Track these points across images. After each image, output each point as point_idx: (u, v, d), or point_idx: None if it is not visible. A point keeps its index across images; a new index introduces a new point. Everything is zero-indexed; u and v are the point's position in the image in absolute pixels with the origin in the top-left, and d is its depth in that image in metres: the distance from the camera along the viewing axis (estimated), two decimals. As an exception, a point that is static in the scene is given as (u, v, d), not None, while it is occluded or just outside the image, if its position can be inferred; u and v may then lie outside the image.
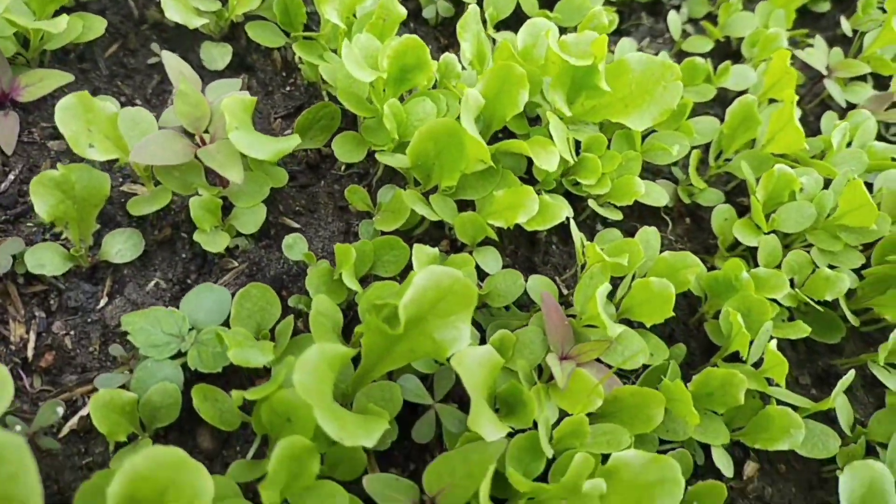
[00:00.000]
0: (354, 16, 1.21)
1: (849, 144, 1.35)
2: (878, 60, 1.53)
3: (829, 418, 1.13)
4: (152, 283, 1.09)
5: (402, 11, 1.17)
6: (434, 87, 1.21)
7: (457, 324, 0.91)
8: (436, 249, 1.05)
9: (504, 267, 1.12)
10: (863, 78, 1.57)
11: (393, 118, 1.08)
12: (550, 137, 1.11)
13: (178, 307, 1.01)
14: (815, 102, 1.56)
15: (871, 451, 1.09)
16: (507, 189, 1.09)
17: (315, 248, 1.15)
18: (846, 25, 1.62)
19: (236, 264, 1.13)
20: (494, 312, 1.11)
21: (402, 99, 1.17)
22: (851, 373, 1.02)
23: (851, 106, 1.52)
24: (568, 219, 1.09)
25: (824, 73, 1.51)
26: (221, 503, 0.83)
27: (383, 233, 1.13)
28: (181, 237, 1.13)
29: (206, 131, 1.07)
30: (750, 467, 1.12)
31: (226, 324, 1.00)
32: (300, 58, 1.33)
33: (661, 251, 1.14)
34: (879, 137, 1.53)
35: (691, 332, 1.21)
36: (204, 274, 1.12)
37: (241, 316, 0.99)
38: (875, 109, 1.45)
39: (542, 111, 1.24)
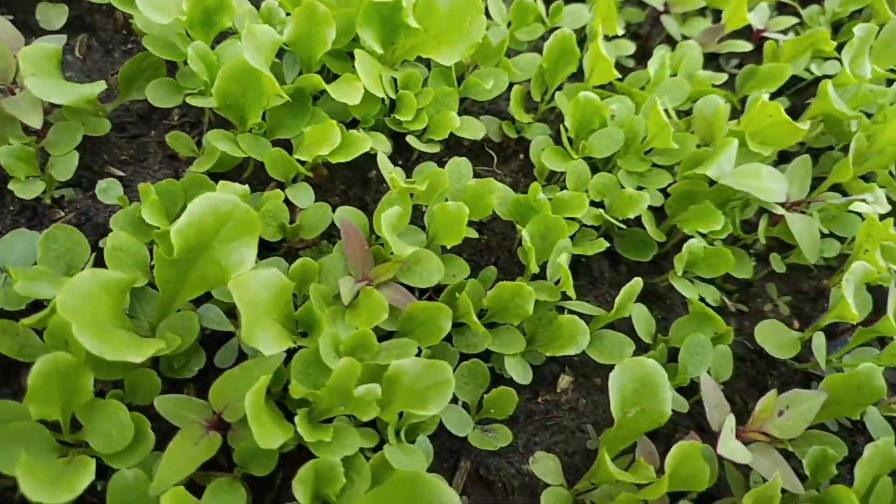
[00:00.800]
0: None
1: (674, 75, 1.40)
2: (714, -6, 1.58)
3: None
4: (-22, 234, 1.13)
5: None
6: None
7: (240, 249, 0.96)
8: (246, 186, 1.10)
9: (338, 206, 1.17)
10: (702, 12, 1.63)
11: (200, 61, 1.12)
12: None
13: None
14: (660, 38, 1.61)
15: (673, 358, 1.16)
16: (314, 125, 1.13)
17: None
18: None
19: (63, 214, 1.16)
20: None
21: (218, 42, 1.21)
22: (636, 280, 1.08)
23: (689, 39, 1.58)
24: (374, 150, 1.14)
25: (661, 9, 1.56)
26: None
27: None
28: (9, 191, 1.17)
29: (14, 82, 1.10)
30: (564, 380, 1.19)
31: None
32: (130, 14, 1.35)
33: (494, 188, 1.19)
34: (717, 68, 1.59)
35: (514, 258, 1.26)
36: (34, 225, 1.16)
37: (49, 257, 1.03)
38: (708, 41, 1.51)
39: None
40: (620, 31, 1.48)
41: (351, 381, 0.90)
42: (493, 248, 1.25)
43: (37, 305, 1.02)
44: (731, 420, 0.96)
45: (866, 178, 1.42)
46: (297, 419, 0.90)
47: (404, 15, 1.17)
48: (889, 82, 1.51)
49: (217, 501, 0.90)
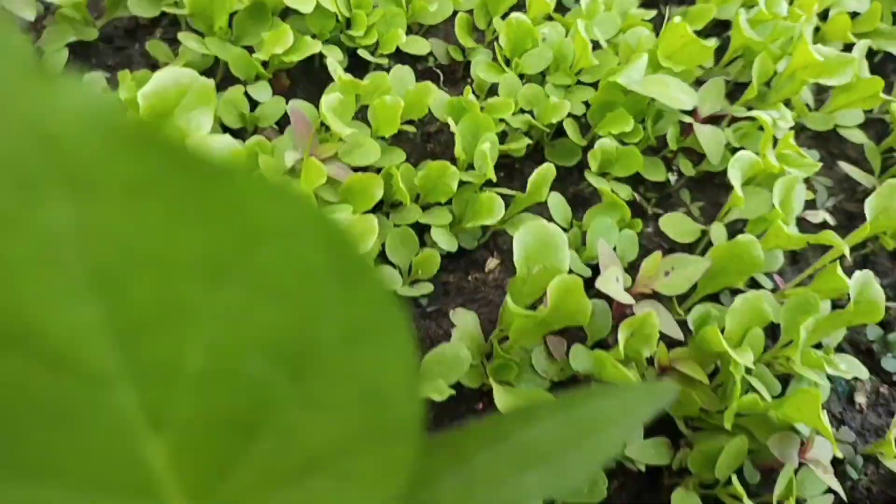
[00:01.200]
0: None
1: (609, 9, 1.56)
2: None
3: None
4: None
5: None
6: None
7: (198, 117, 1.13)
8: (211, 80, 1.27)
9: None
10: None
11: (177, -25, 1.30)
12: (316, -10, 1.33)
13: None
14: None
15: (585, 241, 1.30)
16: (272, 31, 1.30)
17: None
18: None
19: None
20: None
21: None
22: (547, 165, 1.23)
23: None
24: (322, 55, 1.31)
25: (603, -41, 1.72)
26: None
27: (180, 77, 1.34)
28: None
29: (19, -13, 1.29)
30: (491, 262, 1.34)
31: None
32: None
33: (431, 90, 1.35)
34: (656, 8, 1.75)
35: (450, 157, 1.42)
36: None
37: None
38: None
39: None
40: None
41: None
42: (423, 143, 1.41)
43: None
44: (617, 271, 1.11)
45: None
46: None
47: (357, -59, 1.34)
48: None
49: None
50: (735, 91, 1.58)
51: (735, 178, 1.19)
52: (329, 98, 1.18)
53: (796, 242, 1.18)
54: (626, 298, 1.08)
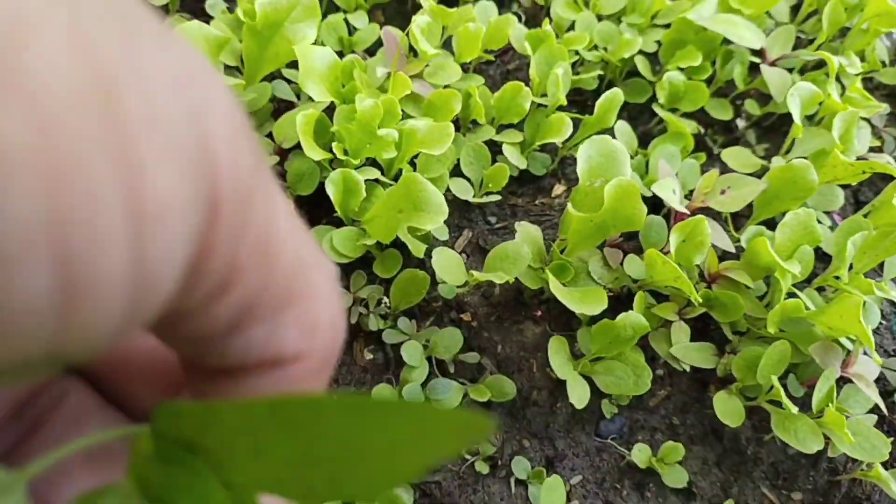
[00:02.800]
0: None
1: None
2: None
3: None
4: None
5: None
6: None
7: (305, 29, 1.27)
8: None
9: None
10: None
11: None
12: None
13: None
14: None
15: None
16: (373, -37, 1.44)
17: (242, 22, 1.53)
18: None
19: (181, 29, 1.52)
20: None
21: None
22: (615, 90, 1.32)
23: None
24: (418, -14, 1.44)
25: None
26: None
27: None
28: None
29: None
30: (557, 188, 1.44)
31: None
32: None
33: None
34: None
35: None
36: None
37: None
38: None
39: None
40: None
41: (375, 119, 1.19)
42: (502, 76, 1.52)
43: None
44: (674, 183, 1.19)
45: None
46: (333, 145, 1.20)
47: None
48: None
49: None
50: (806, 45, 1.62)
51: (794, 106, 1.25)
52: (419, 20, 1.31)
53: (852, 172, 1.23)
54: (681, 207, 1.16)
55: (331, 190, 1.16)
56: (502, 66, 1.57)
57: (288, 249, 0.26)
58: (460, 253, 1.35)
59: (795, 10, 1.68)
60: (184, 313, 0.25)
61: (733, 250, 1.20)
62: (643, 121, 1.52)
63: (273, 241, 0.26)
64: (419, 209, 1.12)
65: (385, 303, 1.26)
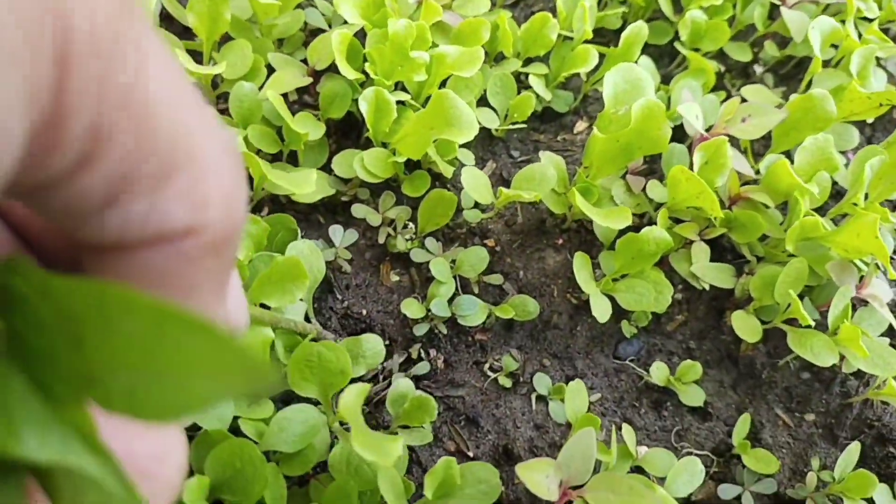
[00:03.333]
0: None
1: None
2: None
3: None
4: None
5: None
6: None
7: (339, -46, 1.31)
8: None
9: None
10: None
11: None
12: None
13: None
14: None
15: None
16: None
17: None
18: None
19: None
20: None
21: None
22: (640, 23, 1.35)
23: None
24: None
25: None
26: None
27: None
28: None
29: None
30: (579, 125, 1.47)
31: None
32: None
33: None
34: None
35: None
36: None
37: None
38: None
39: None
40: None
41: (407, 41, 1.22)
42: (526, 16, 1.55)
43: None
44: (696, 108, 1.22)
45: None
46: (366, 65, 1.23)
47: None
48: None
49: (303, 119, 1.24)
50: None
51: (815, 40, 1.28)
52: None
53: (869, 106, 1.26)
54: (703, 131, 1.19)
55: (364, 108, 1.19)
56: (526, 8, 1.60)
57: (168, 113, 0.23)
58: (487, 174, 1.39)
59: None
60: (47, 184, 0.22)
61: (753, 175, 1.23)
62: (665, 63, 1.56)
63: (148, 103, 0.22)
64: (450, 125, 1.15)
65: (411, 227, 1.30)
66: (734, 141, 1.27)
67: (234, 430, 0.98)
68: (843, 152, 1.41)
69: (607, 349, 1.26)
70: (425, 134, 1.17)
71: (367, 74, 1.23)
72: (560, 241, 1.35)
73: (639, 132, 1.16)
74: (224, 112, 1.28)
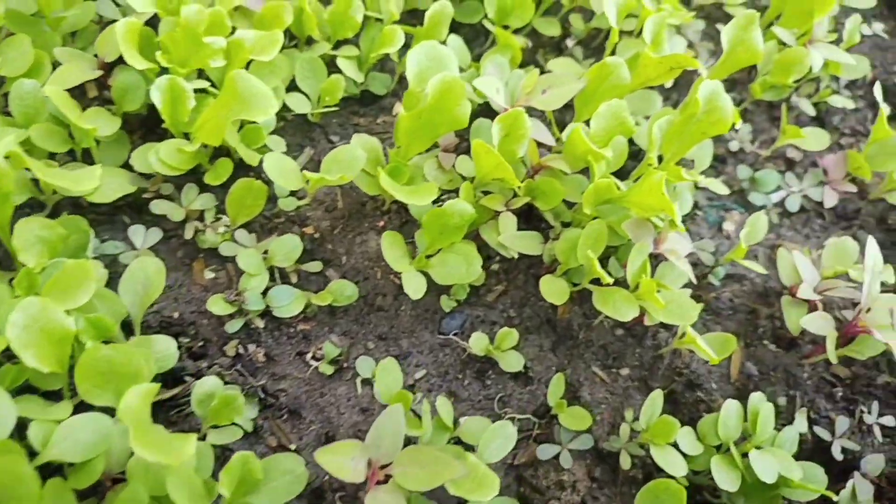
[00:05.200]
0: None
1: None
2: None
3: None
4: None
5: None
6: None
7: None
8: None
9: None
10: None
11: None
12: None
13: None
14: None
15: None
16: None
17: None
18: None
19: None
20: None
21: None
22: (442, 2, 1.36)
23: None
24: None
25: None
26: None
27: None
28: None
29: None
30: (398, 106, 1.47)
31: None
32: None
33: None
34: None
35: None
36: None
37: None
38: None
39: None
40: None
41: (200, 26, 1.18)
42: None
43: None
44: (497, 82, 1.24)
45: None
46: (157, 54, 1.18)
47: None
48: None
49: (95, 115, 1.18)
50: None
51: (611, 10, 1.33)
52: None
53: (661, 69, 1.32)
54: (503, 104, 1.21)
55: (156, 98, 1.14)
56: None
57: None
58: (301, 169, 1.36)
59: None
60: None
61: (555, 144, 1.27)
62: (478, 42, 1.58)
63: None
64: (247, 104, 1.12)
65: (224, 220, 1.26)
66: (540, 113, 1.30)
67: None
68: (647, 117, 1.48)
69: (432, 326, 1.27)
70: (223, 117, 1.13)
71: (160, 64, 1.17)
72: (381, 224, 1.34)
73: (438, 109, 1.17)
74: (7, 114, 1.20)
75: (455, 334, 1.26)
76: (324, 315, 1.25)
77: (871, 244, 1.21)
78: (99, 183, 1.02)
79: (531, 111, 1.29)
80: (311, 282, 1.27)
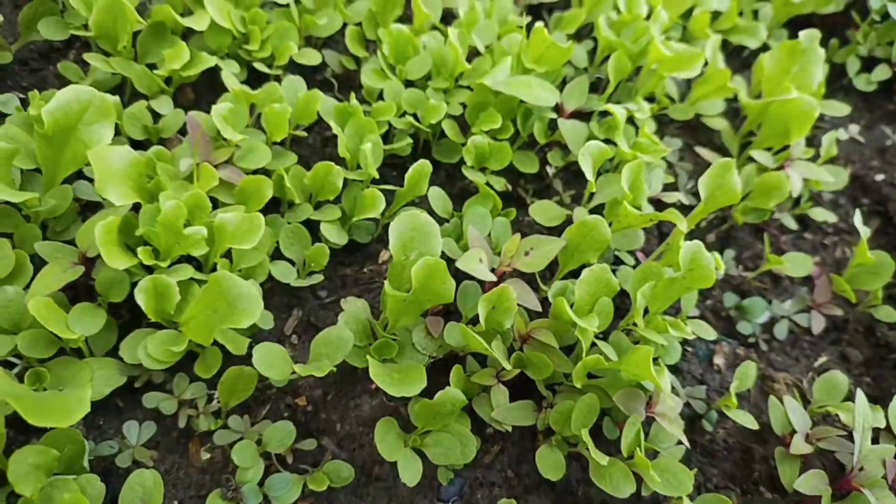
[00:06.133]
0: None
1: (489, 17, 1.70)
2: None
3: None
4: None
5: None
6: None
7: (100, 130, 1.24)
8: (117, 97, 1.38)
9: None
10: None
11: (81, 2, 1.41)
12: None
13: None
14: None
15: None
16: (170, 49, 1.42)
17: (40, 113, 1.46)
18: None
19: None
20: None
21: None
22: (422, 161, 1.37)
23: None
24: (218, 67, 1.43)
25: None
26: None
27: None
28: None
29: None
30: (384, 254, 1.47)
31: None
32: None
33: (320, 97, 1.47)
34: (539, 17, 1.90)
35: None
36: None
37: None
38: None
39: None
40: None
41: (179, 219, 1.18)
42: (319, 147, 1.54)
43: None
44: (480, 252, 1.25)
45: (650, 99, 1.73)
46: (139, 250, 1.17)
47: (249, -35, 1.47)
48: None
49: (80, 314, 1.17)
50: (605, 88, 1.73)
51: (586, 164, 1.34)
52: (220, 107, 1.31)
53: (641, 220, 1.33)
54: (488, 276, 1.22)
55: (141, 298, 1.14)
56: (320, 132, 1.59)
57: None
58: (290, 335, 1.36)
59: (592, 53, 1.80)
60: None
61: (540, 309, 1.27)
62: (459, 177, 1.58)
63: None
64: (233, 307, 1.11)
65: (216, 398, 1.25)
66: (522, 274, 1.31)
67: None
68: (631, 252, 1.50)
69: (431, 493, 1.27)
70: (209, 317, 1.13)
71: (142, 262, 1.17)
72: (374, 386, 1.34)
73: (423, 289, 1.17)
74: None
75: (454, 501, 1.26)
76: (320, 497, 1.25)
77: (860, 398, 1.22)
78: (86, 408, 1.01)
79: (515, 272, 1.30)
80: (307, 456, 1.27)
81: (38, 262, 1.21)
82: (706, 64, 1.69)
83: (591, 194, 1.44)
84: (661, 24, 1.59)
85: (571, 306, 1.22)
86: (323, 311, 1.40)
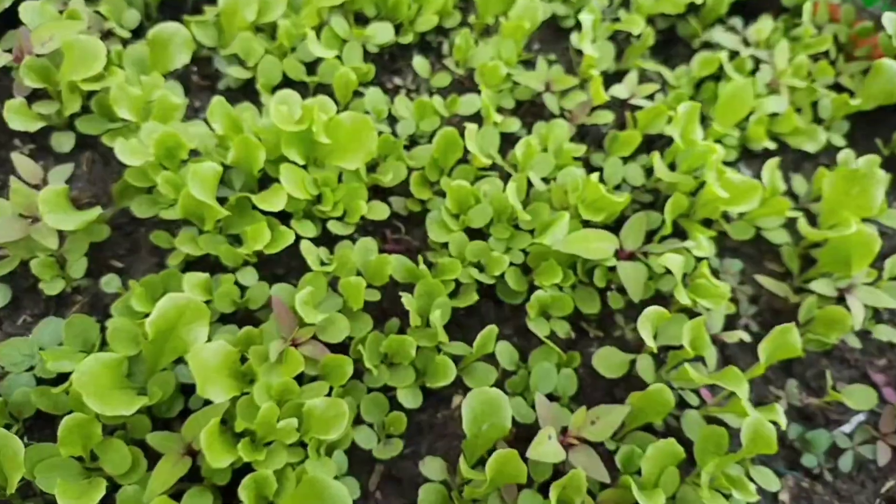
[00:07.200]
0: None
1: (546, 149, 1.76)
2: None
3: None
4: (21, 318, 1.57)
5: (177, 101, 1.62)
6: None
7: (196, 329, 1.37)
8: (206, 274, 1.51)
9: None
10: (581, 86, 1.97)
11: (167, 185, 1.53)
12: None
13: (36, 336, 1.48)
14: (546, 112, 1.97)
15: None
16: (251, 226, 1.53)
17: (138, 279, 1.60)
18: (575, 41, 2.02)
19: (80, 298, 1.60)
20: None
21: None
22: (490, 327, 1.45)
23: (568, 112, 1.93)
24: (298, 238, 1.55)
25: (541, 89, 1.91)
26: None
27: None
28: (39, 289, 1.59)
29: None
30: (457, 399, 1.57)
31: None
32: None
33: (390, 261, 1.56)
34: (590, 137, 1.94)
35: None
36: (61, 307, 1.60)
37: (70, 337, 1.46)
38: (578, 115, 1.86)
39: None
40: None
41: (272, 418, 1.31)
42: (391, 307, 1.64)
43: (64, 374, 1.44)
44: (549, 430, 1.33)
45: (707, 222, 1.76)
46: (239, 445, 1.31)
47: (316, 135, 1.56)
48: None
49: (191, 501, 1.32)
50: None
51: (645, 331, 1.40)
52: (301, 294, 1.42)
53: (701, 380, 1.39)
54: (559, 457, 1.30)
55: (244, 495, 1.27)
56: (389, 291, 1.68)
57: None
58: (374, 491, 1.48)
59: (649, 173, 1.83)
60: None
61: (608, 480, 1.35)
62: (522, 316, 1.65)
63: None
64: (325, 504, 1.24)
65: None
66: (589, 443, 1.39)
67: None
68: (694, 390, 1.55)
69: None
70: (304, 510, 1.26)
71: (241, 455, 1.30)
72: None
73: (498, 475, 1.27)
74: None
75: None
76: None
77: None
78: None
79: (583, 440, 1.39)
80: None
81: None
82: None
83: (652, 353, 1.50)
84: (718, 158, 1.62)
85: (638, 473, 1.31)
86: (403, 462, 1.51)
